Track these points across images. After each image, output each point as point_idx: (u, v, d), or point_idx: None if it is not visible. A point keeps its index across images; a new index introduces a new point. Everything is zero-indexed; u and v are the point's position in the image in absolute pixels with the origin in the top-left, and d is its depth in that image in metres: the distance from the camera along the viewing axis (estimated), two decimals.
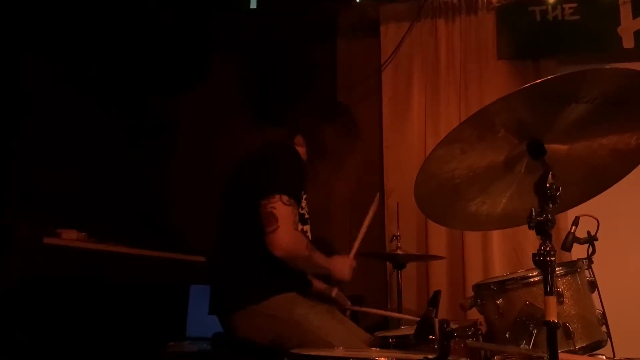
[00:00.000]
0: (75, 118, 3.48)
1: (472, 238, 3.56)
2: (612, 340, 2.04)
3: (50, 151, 3.31)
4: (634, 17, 3.51)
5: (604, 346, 2.02)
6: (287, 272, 2.28)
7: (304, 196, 2.46)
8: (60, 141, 3.38)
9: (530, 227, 1.42)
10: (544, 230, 1.41)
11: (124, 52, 3.93)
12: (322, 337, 2.15)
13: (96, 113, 3.69)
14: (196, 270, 3.59)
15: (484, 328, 2.16)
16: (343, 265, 2.46)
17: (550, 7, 3.61)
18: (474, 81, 3.74)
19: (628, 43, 3.52)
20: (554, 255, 1.38)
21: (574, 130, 1.58)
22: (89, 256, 3.02)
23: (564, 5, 3.59)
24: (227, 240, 2.42)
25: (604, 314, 2.06)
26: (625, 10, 3.53)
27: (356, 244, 2.67)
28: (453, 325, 1.47)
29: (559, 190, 1.44)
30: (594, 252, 2.11)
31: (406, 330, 2.49)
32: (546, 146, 1.58)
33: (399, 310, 3.19)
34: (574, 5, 3.59)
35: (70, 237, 2.97)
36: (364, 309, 2.74)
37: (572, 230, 2.04)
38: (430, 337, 1.48)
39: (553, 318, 1.34)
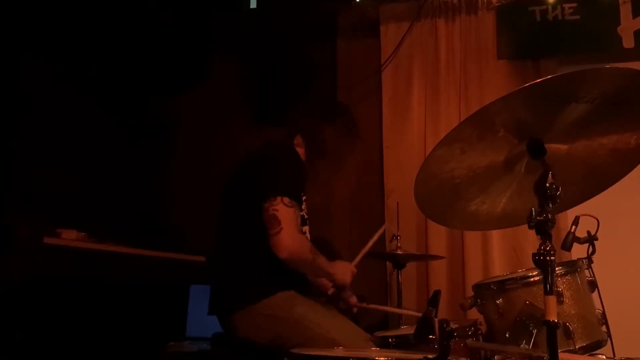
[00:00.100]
0: (75, 118, 3.49)
1: (472, 238, 3.56)
2: (612, 340, 2.04)
3: (50, 151, 3.31)
4: (634, 16, 3.51)
5: (604, 346, 2.02)
6: (286, 271, 2.27)
7: (304, 197, 2.46)
8: (60, 141, 3.38)
9: (530, 227, 1.42)
10: (544, 230, 1.41)
11: (124, 52, 3.93)
12: (322, 335, 2.15)
13: (96, 113, 3.69)
14: (196, 270, 3.59)
15: (484, 328, 2.17)
16: (345, 270, 2.47)
17: (550, 7, 3.60)
18: (474, 81, 3.74)
19: (628, 43, 3.51)
20: (554, 255, 1.38)
21: (574, 130, 1.58)
22: (89, 256, 3.03)
23: (564, 5, 3.59)
24: (227, 240, 2.42)
25: (604, 313, 2.06)
26: (625, 10, 3.52)
27: (359, 257, 2.69)
28: (453, 325, 1.47)
29: (558, 190, 1.44)
30: (594, 251, 2.11)
31: (406, 330, 2.48)
32: (546, 146, 1.58)
33: None
34: (574, 5, 3.58)
35: (70, 237, 2.97)
36: (371, 305, 2.73)
37: (572, 230, 2.04)
38: (430, 336, 1.48)
39: (553, 318, 1.34)
